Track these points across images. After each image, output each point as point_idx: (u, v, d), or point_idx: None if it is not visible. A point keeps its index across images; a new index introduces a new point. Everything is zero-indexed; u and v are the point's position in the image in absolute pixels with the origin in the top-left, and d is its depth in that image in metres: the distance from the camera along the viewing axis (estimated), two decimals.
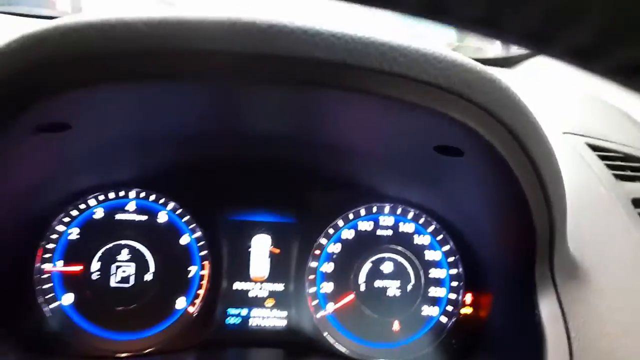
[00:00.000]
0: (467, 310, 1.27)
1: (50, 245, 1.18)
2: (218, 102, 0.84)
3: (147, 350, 1.18)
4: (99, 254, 1.20)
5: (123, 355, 1.17)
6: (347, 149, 1.06)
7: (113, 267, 1.20)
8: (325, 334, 1.26)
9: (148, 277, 1.22)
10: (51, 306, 1.17)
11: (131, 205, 1.24)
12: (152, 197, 1.25)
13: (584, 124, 1.34)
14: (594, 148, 1.22)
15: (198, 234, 1.26)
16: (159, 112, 0.87)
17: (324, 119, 0.90)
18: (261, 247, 1.29)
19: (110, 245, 1.21)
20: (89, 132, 0.88)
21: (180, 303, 1.23)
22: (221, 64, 0.63)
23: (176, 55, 0.63)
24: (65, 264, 1.19)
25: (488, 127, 0.72)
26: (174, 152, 1.13)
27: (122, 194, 1.23)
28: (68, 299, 1.18)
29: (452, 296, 1.28)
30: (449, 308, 1.28)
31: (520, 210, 0.83)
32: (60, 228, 1.19)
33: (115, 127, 0.91)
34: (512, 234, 0.96)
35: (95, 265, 1.20)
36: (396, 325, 1.27)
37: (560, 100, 1.51)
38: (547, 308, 0.90)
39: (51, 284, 1.18)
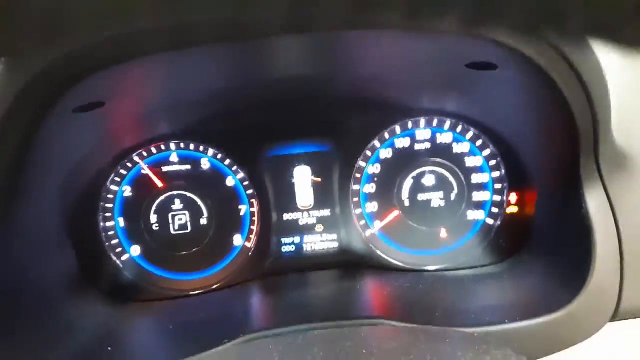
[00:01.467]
0: (513, 210, 1.28)
1: (109, 205, 1.26)
2: (251, 56, 0.83)
3: (216, 286, 1.29)
4: (155, 206, 1.28)
5: (196, 292, 1.28)
6: (378, 81, 1.04)
7: (170, 216, 1.28)
8: (376, 250, 1.32)
9: (203, 221, 1.29)
10: (122, 258, 1.28)
11: (174, 157, 1.28)
12: (192, 147, 1.28)
13: None
14: None
15: (241, 174, 1.30)
16: (194, 75, 0.87)
17: (353, 58, 0.89)
18: (303, 177, 1.33)
19: (163, 197, 1.28)
20: (126, 105, 0.91)
21: (237, 240, 1.31)
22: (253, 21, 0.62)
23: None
24: (125, 220, 1.27)
25: (522, 41, 0.68)
26: (208, 104, 1.14)
27: (163, 147, 1.28)
28: (136, 250, 1.29)
29: (497, 198, 1.29)
30: (495, 210, 1.30)
31: (561, 111, 0.81)
32: (114, 187, 1.26)
33: (149, 97, 0.92)
34: (554, 133, 0.95)
35: (153, 217, 1.28)
36: (444, 233, 1.31)
37: None
38: (594, 200, 0.90)
39: (118, 240, 1.27)
